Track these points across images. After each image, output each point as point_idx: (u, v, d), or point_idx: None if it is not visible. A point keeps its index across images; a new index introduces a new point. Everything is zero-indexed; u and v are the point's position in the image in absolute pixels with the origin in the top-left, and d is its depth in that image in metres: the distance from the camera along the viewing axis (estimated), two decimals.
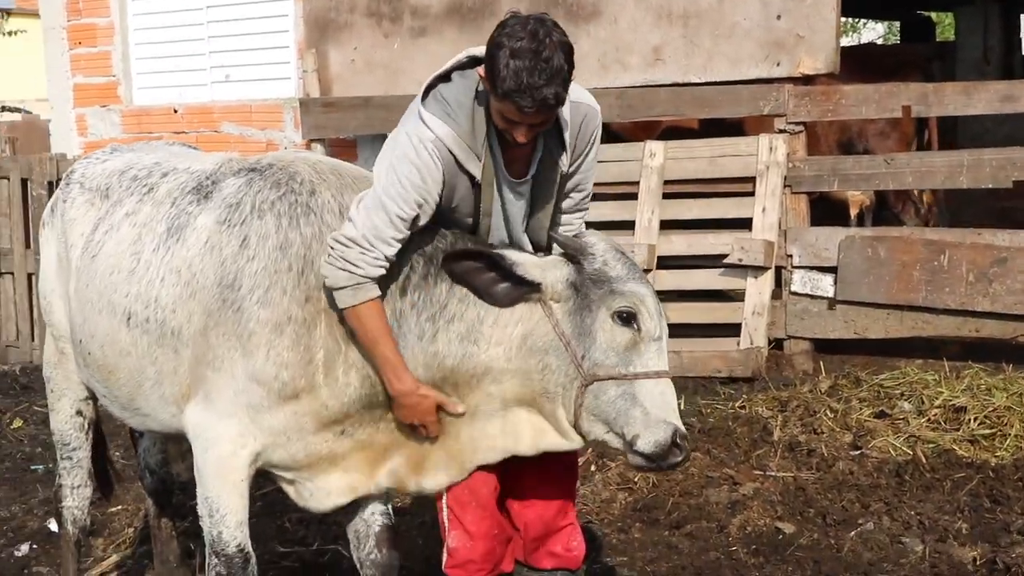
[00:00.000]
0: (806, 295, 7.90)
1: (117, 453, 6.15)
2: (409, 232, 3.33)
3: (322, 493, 3.59)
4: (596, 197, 3.94)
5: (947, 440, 5.98)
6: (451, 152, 3.32)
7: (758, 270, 7.83)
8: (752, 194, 7.97)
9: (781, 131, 8.00)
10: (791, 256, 7.93)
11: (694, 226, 8.29)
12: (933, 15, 17.97)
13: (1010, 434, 5.97)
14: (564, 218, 3.68)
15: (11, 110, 26.13)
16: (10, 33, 24.40)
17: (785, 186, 7.93)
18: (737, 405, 6.84)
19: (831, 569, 4.84)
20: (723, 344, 7.85)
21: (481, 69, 3.27)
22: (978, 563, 4.80)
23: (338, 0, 9.78)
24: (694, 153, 8.26)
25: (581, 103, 3.49)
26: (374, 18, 9.67)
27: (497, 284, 3.36)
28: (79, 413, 4.36)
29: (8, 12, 27.98)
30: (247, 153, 7.17)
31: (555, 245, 3.50)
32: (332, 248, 3.32)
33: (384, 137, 3.83)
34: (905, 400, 6.51)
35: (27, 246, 9.27)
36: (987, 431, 6.03)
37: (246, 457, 3.49)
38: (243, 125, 10.72)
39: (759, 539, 5.16)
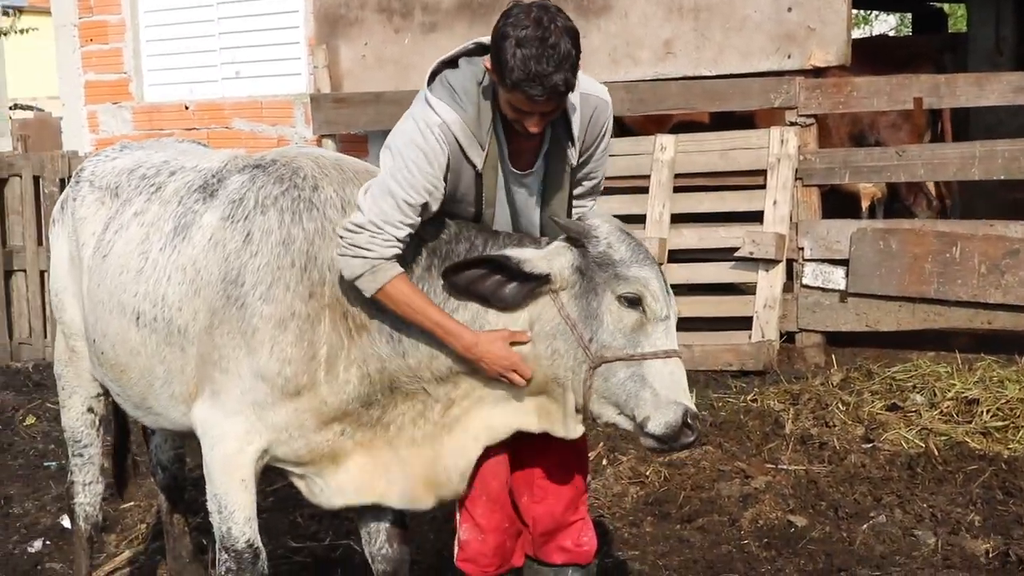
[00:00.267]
0: (818, 288, 7.87)
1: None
2: (419, 219, 3.30)
3: (331, 490, 3.58)
4: (607, 191, 3.91)
5: (959, 432, 5.98)
6: (456, 138, 3.29)
7: (769, 263, 7.81)
8: (763, 187, 7.95)
9: (792, 124, 7.97)
10: (802, 249, 7.91)
11: (705, 219, 8.29)
12: (945, 6, 17.86)
13: (1022, 426, 5.96)
14: (575, 203, 3.62)
15: (23, 108, 26.25)
16: (22, 31, 24.42)
17: (796, 179, 7.91)
18: (749, 398, 6.84)
19: (843, 562, 4.82)
20: (735, 337, 7.84)
21: (487, 60, 3.24)
22: (990, 555, 4.80)
23: None
24: (705, 146, 8.25)
25: (591, 95, 3.45)
26: (384, 13, 9.67)
27: (504, 287, 3.33)
28: (90, 410, 4.37)
29: (20, 10, 28.06)
30: (258, 149, 7.17)
31: (558, 229, 3.46)
32: (342, 238, 3.29)
33: None
34: (917, 392, 6.51)
35: (39, 243, 9.26)
36: (999, 423, 6.03)
37: (252, 454, 3.49)
38: (254, 121, 10.73)
39: (771, 532, 5.15)
